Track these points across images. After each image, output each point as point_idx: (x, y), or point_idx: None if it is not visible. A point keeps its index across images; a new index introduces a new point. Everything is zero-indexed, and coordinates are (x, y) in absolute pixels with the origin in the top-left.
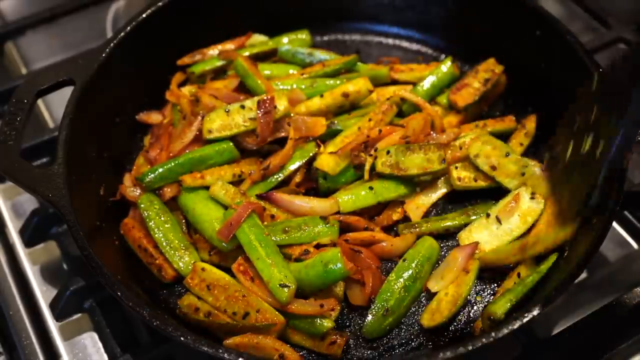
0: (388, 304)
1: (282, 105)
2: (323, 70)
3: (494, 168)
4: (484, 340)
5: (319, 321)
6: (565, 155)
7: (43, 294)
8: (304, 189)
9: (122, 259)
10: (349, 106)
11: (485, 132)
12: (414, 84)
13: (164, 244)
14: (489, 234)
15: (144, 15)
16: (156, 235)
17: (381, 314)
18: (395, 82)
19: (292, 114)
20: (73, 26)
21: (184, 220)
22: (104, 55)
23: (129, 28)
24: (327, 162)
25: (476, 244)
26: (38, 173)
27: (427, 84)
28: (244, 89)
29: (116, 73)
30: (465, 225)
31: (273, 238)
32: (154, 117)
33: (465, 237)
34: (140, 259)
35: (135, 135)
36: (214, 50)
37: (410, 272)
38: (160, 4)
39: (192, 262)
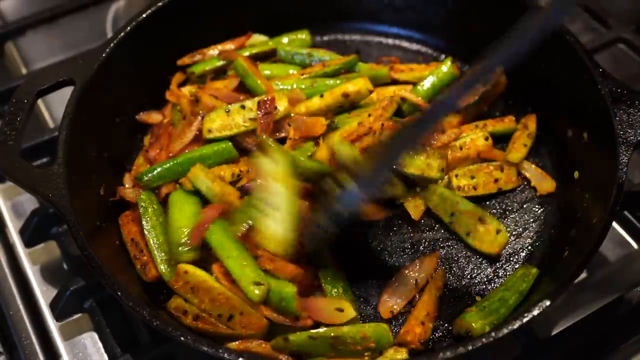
0: None
1: (282, 106)
2: (323, 70)
3: None
4: (484, 340)
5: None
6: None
7: (43, 294)
8: None
9: (122, 259)
10: (349, 106)
11: (486, 132)
12: (414, 84)
13: (153, 242)
14: None
15: (144, 15)
16: (147, 234)
17: None
18: (395, 82)
19: (292, 114)
20: (73, 26)
21: None
22: (104, 55)
23: (129, 28)
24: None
25: None
26: (38, 173)
27: (427, 84)
28: (244, 89)
29: (116, 73)
30: None
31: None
32: (154, 117)
33: None
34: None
35: (135, 135)
36: (214, 50)
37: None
38: (160, 4)
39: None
